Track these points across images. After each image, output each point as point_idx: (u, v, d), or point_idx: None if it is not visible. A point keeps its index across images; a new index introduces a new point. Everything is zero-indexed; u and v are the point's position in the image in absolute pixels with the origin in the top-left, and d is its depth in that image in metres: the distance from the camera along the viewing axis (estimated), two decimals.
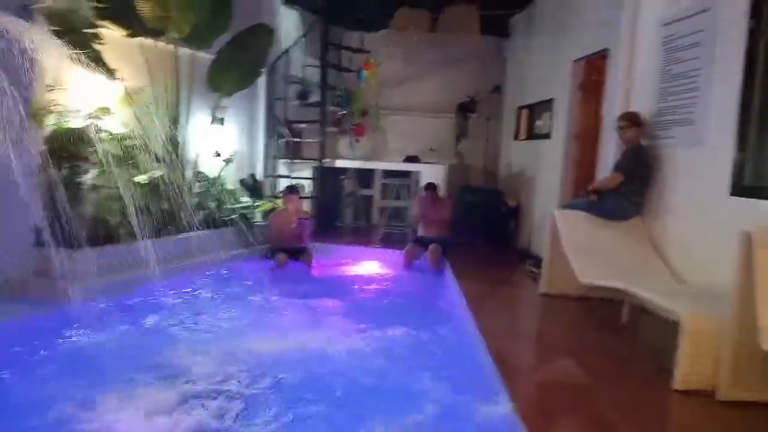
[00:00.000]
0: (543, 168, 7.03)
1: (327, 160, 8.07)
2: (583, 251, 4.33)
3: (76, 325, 3.82)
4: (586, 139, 6.16)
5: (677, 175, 4.32)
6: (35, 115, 4.65)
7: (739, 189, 3.60)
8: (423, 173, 7.87)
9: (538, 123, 7.43)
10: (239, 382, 3.14)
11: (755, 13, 3.56)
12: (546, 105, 7.01)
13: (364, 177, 8.89)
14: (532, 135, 7.67)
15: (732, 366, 2.77)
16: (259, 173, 7.74)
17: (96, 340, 3.66)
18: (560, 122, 6.53)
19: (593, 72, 6.06)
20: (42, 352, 3.41)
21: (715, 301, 2.99)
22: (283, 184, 7.71)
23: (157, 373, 3.16)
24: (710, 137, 3.94)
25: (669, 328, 3.06)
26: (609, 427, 2.62)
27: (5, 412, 2.60)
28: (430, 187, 6.83)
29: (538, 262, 5.76)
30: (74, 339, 3.68)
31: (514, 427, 2.53)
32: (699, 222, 3.99)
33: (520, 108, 8.03)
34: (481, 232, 7.41)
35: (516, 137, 8.17)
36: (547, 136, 6.95)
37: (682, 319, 2.92)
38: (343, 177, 8.71)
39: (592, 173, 5.64)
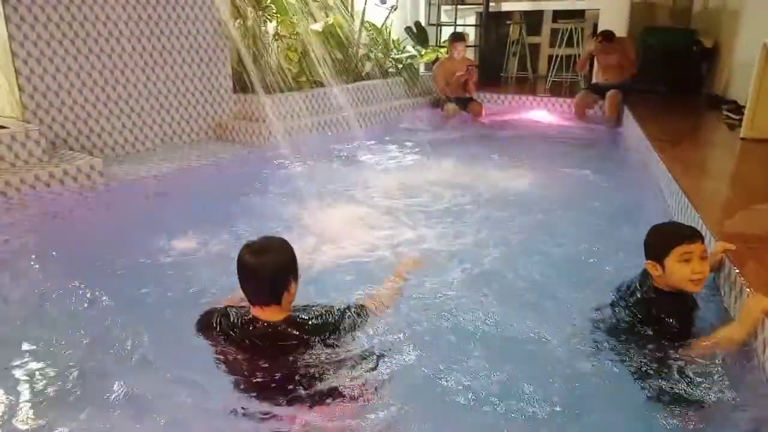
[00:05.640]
0: None
1: (492, 4, 7.58)
2: None
3: (277, 159, 4.34)
4: None
5: None
6: None
7: None
8: (602, 11, 7.07)
9: None
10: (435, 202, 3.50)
11: None
12: None
13: (532, 23, 8.24)
14: None
15: None
16: (423, 21, 7.54)
17: (296, 171, 4.11)
18: None
19: None
20: (256, 179, 3.93)
21: None
22: (446, 32, 7.47)
23: (348, 191, 3.63)
24: None
25: None
26: None
27: (251, 218, 3.26)
28: (606, 37, 6.11)
29: (737, 107, 5.11)
30: (276, 170, 4.16)
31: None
32: None
33: None
34: (667, 77, 6.62)
35: None
36: None
37: None
38: (509, 23, 8.16)
39: None
